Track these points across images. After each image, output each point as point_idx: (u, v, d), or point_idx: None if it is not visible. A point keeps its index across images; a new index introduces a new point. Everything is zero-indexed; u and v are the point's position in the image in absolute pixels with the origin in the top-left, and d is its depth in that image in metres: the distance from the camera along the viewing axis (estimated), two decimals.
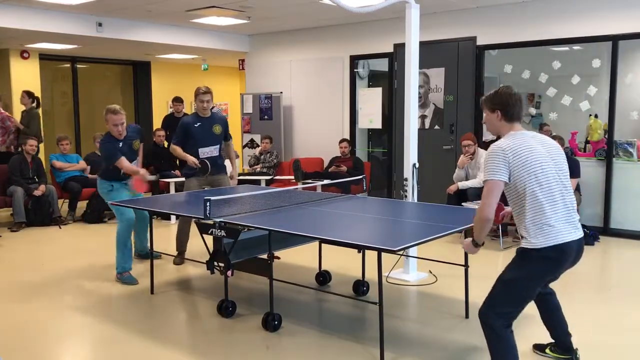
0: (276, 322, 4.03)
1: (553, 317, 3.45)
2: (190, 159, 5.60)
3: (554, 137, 6.68)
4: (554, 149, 3.09)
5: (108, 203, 5.33)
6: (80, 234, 7.41)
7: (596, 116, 7.17)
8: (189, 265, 5.71)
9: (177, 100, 9.22)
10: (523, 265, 2.98)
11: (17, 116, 10.14)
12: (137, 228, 5.76)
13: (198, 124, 5.71)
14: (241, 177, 8.70)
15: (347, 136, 9.03)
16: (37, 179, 7.95)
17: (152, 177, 5.59)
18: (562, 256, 2.96)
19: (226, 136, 5.95)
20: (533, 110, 8.53)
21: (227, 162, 6.15)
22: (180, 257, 5.79)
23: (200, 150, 5.69)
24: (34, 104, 8.83)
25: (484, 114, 3.19)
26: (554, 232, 2.92)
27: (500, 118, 3.09)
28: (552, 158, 3.02)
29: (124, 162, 5.28)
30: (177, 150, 5.71)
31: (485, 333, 3.01)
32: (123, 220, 5.27)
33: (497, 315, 2.99)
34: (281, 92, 9.71)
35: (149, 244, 5.54)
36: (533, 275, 3.00)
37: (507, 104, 3.08)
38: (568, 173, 3.09)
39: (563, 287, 5.03)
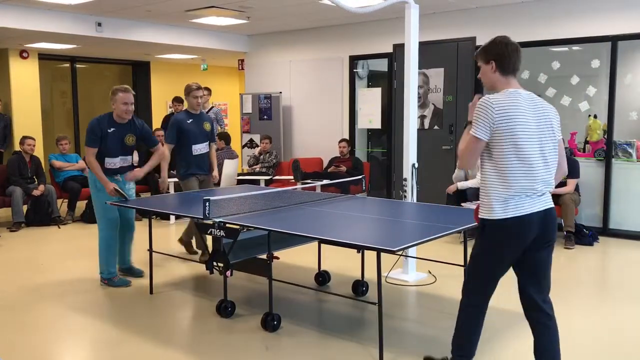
0: (275, 323, 4.03)
1: (546, 353, 2.97)
2: (162, 182, 5.70)
3: None
4: (545, 116, 2.85)
5: (93, 202, 5.11)
6: (80, 234, 7.40)
7: (595, 116, 7.17)
8: (188, 265, 5.70)
9: (178, 100, 9.22)
10: (484, 238, 2.85)
11: (16, 116, 10.17)
12: (120, 239, 5.28)
13: (190, 120, 5.68)
14: (240, 177, 8.70)
15: (347, 136, 9.03)
16: (36, 179, 7.95)
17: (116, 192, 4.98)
18: (522, 229, 2.77)
19: (212, 137, 5.92)
20: None
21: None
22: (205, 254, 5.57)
23: (194, 147, 5.64)
24: None
25: (480, 67, 2.94)
26: (513, 203, 2.75)
27: (495, 70, 2.86)
28: (539, 125, 2.80)
29: (90, 156, 4.93)
30: (167, 157, 5.63)
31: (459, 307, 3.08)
32: (105, 220, 5.04)
33: (468, 292, 3.01)
34: (280, 92, 9.71)
35: (132, 258, 5.36)
36: (488, 250, 2.86)
37: (503, 54, 2.84)
38: (555, 143, 2.87)
39: (562, 287, 5.03)
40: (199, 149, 5.69)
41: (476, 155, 2.80)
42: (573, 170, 6.63)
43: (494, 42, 2.89)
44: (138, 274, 5.32)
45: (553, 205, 2.90)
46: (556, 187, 6.94)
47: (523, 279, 2.95)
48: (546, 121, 2.84)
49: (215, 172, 5.97)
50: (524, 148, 2.73)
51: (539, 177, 2.79)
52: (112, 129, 5.00)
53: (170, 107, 10.52)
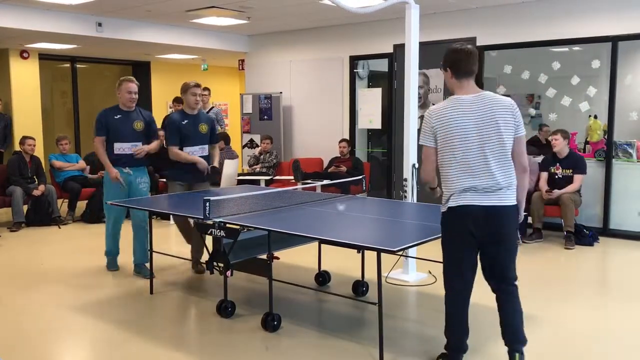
0: (275, 323, 4.03)
1: (508, 320, 3.24)
2: (201, 162, 5.33)
3: (556, 132, 6.70)
4: (491, 117, 3.01)
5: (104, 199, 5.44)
6: (80, 234, 7.41)
7: (595, 117, 7.17)
8: (188, 265, 5.70)
9: (178, 100, 9.21)
10: (441, 229, 3.25)
11: (17, 116, 10.17)
12: (133, 236, 5.42)
13: (185, 121, 5.35)
14: (241, 177, 8.70)
15: (347, 136, 9.03)
16: (36, 179, 7.94)
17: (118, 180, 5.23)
18: (461, 216, 3.07)
19: (212, 138, 5.57)
20: (532, 111, 8.53)
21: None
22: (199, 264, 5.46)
23: (186, 149, 5.34)
24: None
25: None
26: (454, 197, 3.08)
27: (451, 76, 3.15)
28: (481, 127, 3.01)
29: (98, 142, 5.28)
30: (181, 154, 5.32)
31: None
32: (108, 217, 5.49)
33: (444, 282, 3.27)
34: (281, 93, 9.71)
35: (147, 258, 5.25)
36: (444, 238, 3.22)
37: (454, 60, 3.12)
38: (501, 141, 3.02)
39: (562, 287, 5.04)
40: (191, 151, 5.37)
41: (430, 162, 3.17)
42: (580, 166, 6.63)
43: (449, 50, 3.17)
44: (145, 274, 5.26)
45: (504, 204, 3.07)
46: (564, 184, 6.90)
47: (485, 272, 3.24)
48: (491, 122, 3.03)
49: (214, 164, 5.57)
50: (459, 150, 3.04)
51: (479, 175, 3.03)
52: (118, 116, 5.29)
53: (170, 107, 10.52)
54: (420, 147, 3.29)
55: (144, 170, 5.44)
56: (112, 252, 5.57)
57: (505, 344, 3.26)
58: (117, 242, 5.58)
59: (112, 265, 5.59)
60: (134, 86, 5.29)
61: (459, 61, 3.09)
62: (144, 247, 5.35)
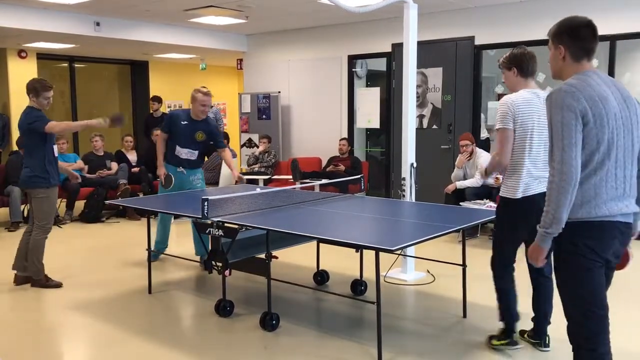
0: (274, 322, 4.03)
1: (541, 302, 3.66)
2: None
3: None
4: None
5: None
6: (78, 234, 7.40)
7: None
8: (187, 265, 5.71)
9: (156, 99, 9.46)
10: None
11: (15, 116, 10.14)
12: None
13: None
14: None
15: (345, 136, 9.03)
16: None
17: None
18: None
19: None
20: None
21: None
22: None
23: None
24: None
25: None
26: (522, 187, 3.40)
27: (517, 74, 3.76)
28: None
29: (160, 137, 5.82)
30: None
31: None
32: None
33: None
34: (279, 92, 9.71)
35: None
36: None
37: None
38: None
39: None
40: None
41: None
42: None
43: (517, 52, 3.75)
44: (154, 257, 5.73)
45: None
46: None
47: None
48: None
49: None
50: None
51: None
52: (184, 122, 5.62)
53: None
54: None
55: (199, 169, 5.87)
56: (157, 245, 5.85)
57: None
58: (163, 235, 5.90)
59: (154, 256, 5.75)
60: (207, 99, 5.57)
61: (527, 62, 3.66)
62: (197, 241, 5.69)
